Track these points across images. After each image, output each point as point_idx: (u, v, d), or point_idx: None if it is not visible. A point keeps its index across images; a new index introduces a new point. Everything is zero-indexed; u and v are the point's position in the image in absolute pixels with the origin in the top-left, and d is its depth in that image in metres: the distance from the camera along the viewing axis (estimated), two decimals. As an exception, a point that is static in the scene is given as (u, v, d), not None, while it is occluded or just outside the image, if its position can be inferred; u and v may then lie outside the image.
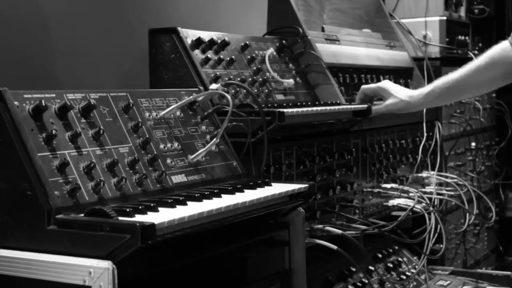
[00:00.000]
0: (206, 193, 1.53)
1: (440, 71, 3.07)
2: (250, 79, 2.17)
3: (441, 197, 2.73)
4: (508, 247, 3.90)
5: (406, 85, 2.94)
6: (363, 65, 2.70)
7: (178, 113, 1.77)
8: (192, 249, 1.48)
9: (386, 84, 2.46)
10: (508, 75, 2.28)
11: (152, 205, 1.38)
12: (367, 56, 2.75)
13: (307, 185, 1.74)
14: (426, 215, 2.49)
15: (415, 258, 2.75)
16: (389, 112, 2.44)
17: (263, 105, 1.96)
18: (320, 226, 2.16)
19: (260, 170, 1.85)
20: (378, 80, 2.71)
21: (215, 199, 1.52)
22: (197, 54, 2.06)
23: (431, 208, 2.52)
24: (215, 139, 1.74)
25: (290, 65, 2.40)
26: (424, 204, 2.55)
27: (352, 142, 2.41)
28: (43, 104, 1.41)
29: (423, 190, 2.72)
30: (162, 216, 1.33)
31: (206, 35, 2.12)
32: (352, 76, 2.61)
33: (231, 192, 1.59)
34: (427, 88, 2.41)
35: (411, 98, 2.41)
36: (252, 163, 1.84)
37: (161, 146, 1.66)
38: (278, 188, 1.68)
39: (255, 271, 1.69)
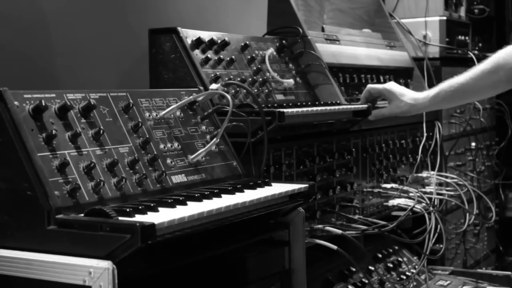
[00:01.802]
0: (206, 193, 1.53)
1: (440, 71, 3.07)
2: (250, 79, 2.17)
3: (441, 197, 2.73)
4: (508, 247, 3.90)
5: (406, 85, 2.94)
6: (363, 65, 2.70)
7: (178, 113, 1.77)
8: (192, 249, 1.48)
9: (392, 86, 2.44)
10: None
11: (152, 205, 1.38)
12: (367, 56, 2.75)
13: (307, 185, 1.74)
14: (426, 215, 2.49)
15: (415, 258, 2.75)
16: (393, 115, 2.43)
17: (263, 105, 1.96)
18: (320, 226, 2.16)
19: (260, 170, 1.85)
20: (378, 80, 2.71)
21: (215, 199, 1.52)
22: (197, 54, 2.06)
23: (431, 208, 2.52)
24: (215, 139, 1.74)
25: (290, 65, 2.40)
26: (424, 204, 2.55)
27: (352, 142, 2.40)
28: (43, 104, 1.41)
29: (423, 190, 2.72)
30: (162, 216, 1.33)
31: (206, 35, 2.12)
32: (352, 76, 2.61)
33: (231, 192, 1.59)
34: (432, 92, 2.39)
35: (415, 101, 2.40)
36: (252, 163, 1.84)
37: (161, 146, 1.66)
38: (278, 188, 1.68)
39: (255, 271, 1.69)
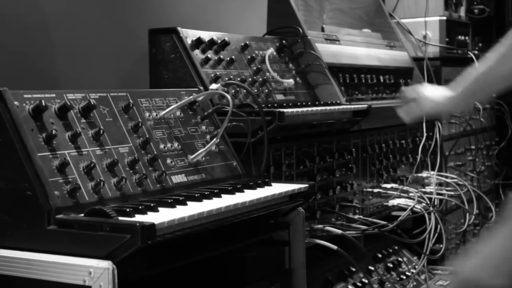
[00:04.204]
0: (206, 193, 1.53)
1: (440, 71, 3.07)
2: (250, 79, 2.17)
3: (441, 197, 2.73)
4: (508, 247, 3.89)
5: (406, 85, 2.94)
6: (363, 65, 2.70)
7: (178, 113, 1.77)
8: (192, 249, 1.48)
9: (425, 88, 2.34)
10: None
11: (152, 205, 1.38)
12: (367, 56, 2.75)
13: (307, 185, 1.74)
14: (426, 215, 2.49)
15: (415, 258, 2.75)
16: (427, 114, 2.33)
17: (263, 105, 1.96)
18: (320, 226, 2.16)
19: (260, 170, 1.85)
20: (378, 80, 2.71)
21: (215, 199, 1.52)
22: (197, 54, 2.06)
23: (431, 208, 2.52)
24: (215, 139, 1.74)
25: (290, 65, 2.40)
26: (424, 204, 2.55)
27: (352, 142, 2.40)
28: (43, 104, 1.41)
29: (423, 190, 2.72)
30: (162, 216, 1.33)
31: (206, 35, 2.12)
32: (352, 76, 2.61)
33: (231, 192, 1.59)
34: (459, 89, 2.25)
35: (446, 100, 2.28)
36: (252, 163, 1.84)
37: (161, 146, 1.66)
38: (278, 188, 1.68)
39: (255, 271, 1.69)
